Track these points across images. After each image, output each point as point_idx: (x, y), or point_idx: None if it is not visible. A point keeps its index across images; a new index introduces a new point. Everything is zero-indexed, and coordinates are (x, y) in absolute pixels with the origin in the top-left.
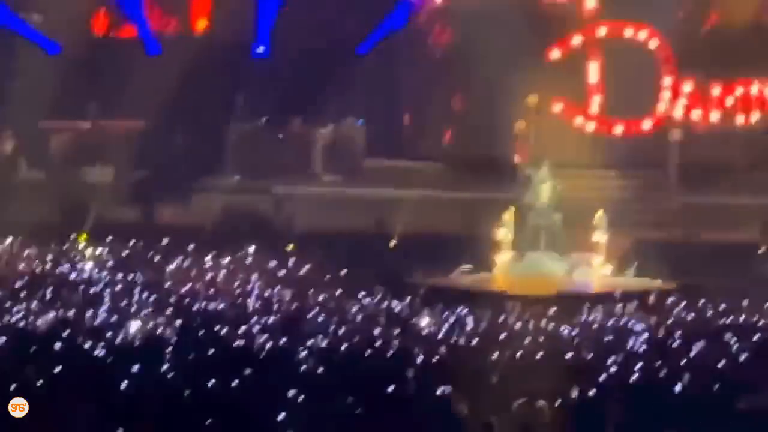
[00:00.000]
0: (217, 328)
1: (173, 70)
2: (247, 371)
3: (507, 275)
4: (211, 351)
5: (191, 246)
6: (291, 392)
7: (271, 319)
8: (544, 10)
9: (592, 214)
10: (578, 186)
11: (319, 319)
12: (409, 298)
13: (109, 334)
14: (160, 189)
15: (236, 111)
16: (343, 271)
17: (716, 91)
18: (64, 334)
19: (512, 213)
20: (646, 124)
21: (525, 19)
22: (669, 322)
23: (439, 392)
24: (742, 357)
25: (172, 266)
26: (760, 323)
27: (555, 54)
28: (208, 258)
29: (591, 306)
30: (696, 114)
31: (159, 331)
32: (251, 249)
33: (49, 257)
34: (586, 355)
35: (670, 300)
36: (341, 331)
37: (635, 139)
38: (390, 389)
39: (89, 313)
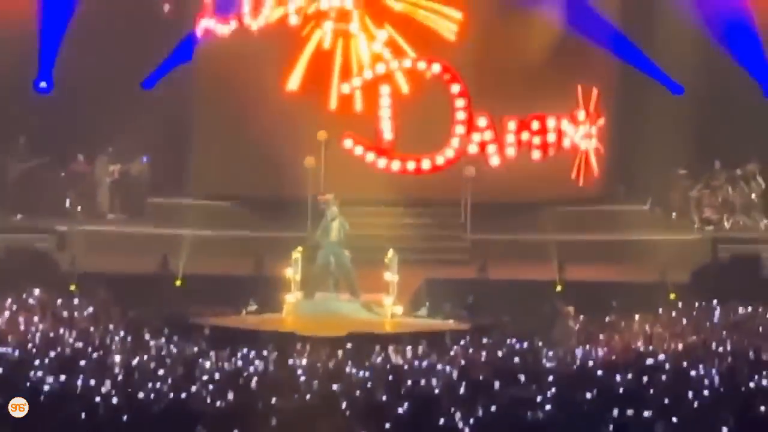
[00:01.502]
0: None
1: None
2: (29, 415)
3: (296, 315)
4: None
5: None
6: None
7: (54, 361)
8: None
9: (383, 253)
10: (369, 224)
11: (103, 361)
12: (194, 338)
13: None
14: None
15: (17, 148)
16: (128, 312)
17: (512, 125)
18: None
19: (300, 252)
20: (439, 160)
21: None
22: (462, 363)
23: None
24: (538, 398)
25: None
26: (555, 364)
27: (345, 88)
28: None
29: (382, 347)
30: (491, 149)
31: None
32: (35, 290)
33: None
34: (377, 397)
35: (463, 341)
36: (125, 374)
37: (428, 176)
38: None
39: None
